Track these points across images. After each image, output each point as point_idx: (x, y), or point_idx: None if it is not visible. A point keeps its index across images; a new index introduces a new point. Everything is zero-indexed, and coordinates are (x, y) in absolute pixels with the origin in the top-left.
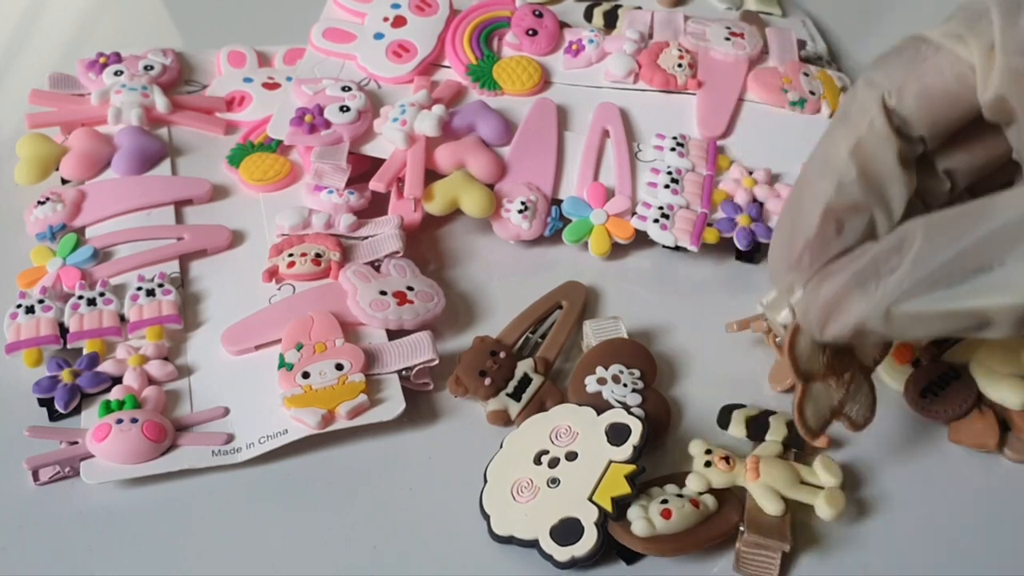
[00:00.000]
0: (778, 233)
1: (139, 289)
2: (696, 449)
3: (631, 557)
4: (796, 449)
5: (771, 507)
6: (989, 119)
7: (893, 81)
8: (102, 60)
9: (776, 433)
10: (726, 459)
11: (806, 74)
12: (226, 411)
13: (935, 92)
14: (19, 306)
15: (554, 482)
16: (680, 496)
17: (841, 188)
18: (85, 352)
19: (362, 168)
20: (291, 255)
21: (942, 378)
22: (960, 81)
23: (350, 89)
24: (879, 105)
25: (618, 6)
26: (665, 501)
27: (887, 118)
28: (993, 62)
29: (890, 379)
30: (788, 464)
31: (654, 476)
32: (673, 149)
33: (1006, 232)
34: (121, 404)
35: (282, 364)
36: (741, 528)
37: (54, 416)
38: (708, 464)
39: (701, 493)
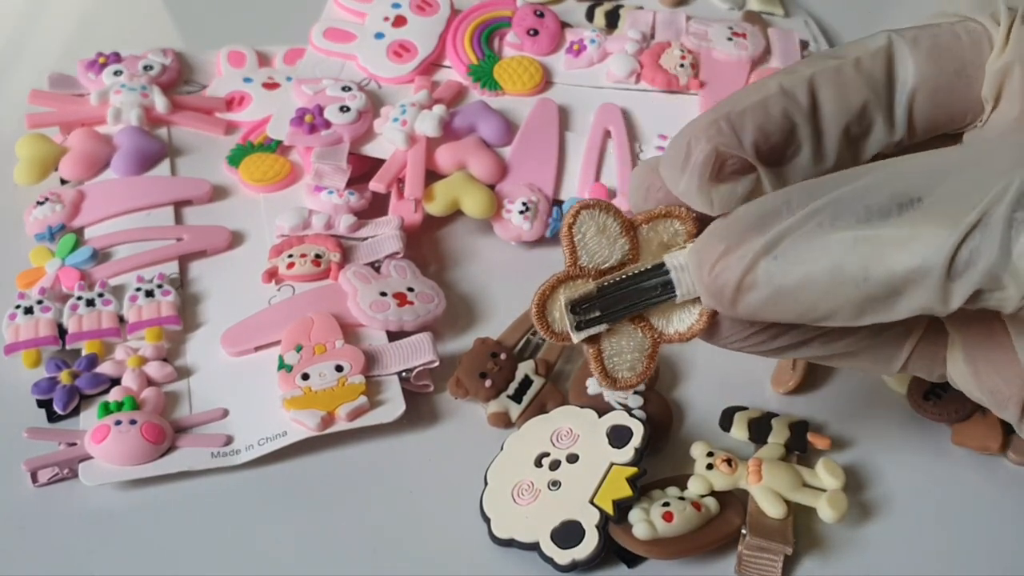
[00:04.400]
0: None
1: (138, 290)
2: (698, 452)
3: (632, 560)
4: (799, 452)
5: (773, 510)
6: (985, 95)
7: (911, 38)
8: (101, 60)
9: (778, 435)
10: (728, 462)
11: None
12: (225, 413)
13: (950, 58)
14: (18, 307)
15: (555, 485)
16: (682, 499)
17: (769, 113)
18: (84, 353)
19: (362, 169)
20: (291, 256)
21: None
22: (973, 44)
23: (350, 89)
24: (878, 51)
25: (620, 6)
26: (667, 504)
27: (887, 72)
28: (1009, 34)
29: (893, 382)
30: (790, 467)
31: (655, 479)
32: None
33: (926, 166)
34: (120, 405)
35: (282, 365)
36: (743, 531)
37: (53, 417)
38: (710, 467)
39: (703, 496)
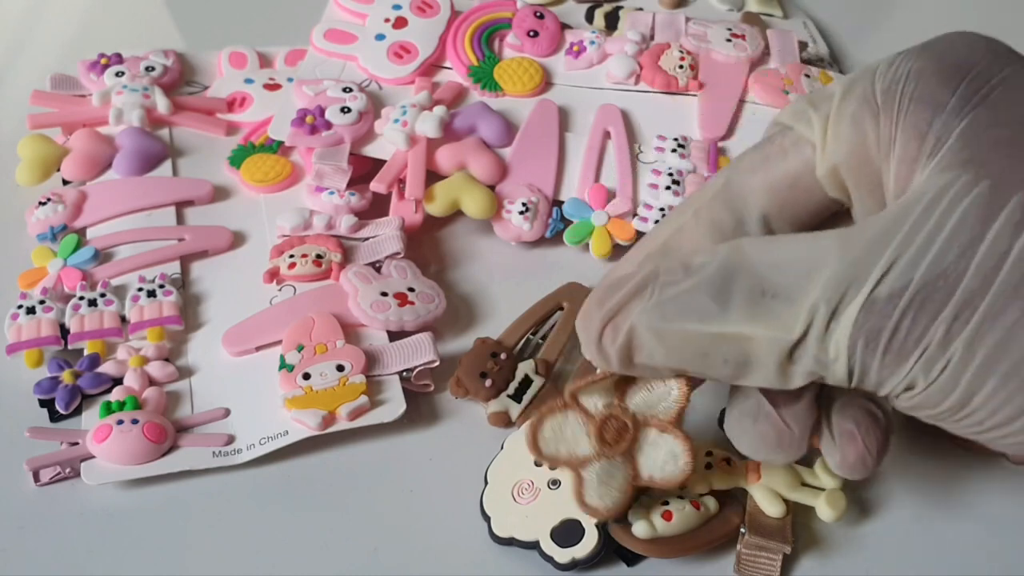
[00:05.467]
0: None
1: (140, 290)
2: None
3: (632, 559)
4: None
5: (772, 509)
6: (834, 197)
7: (743, 164)
8: (103, 61)
9: None
10: (727, 461)
11: (807, 76)
12: (227, 412)
13: (778, 173)
14: (20, 307)
15: (555, 484)
16: (681, 498)
17: (647, 261)
18: (86, 353)
19: (363, 169)
20: (292, 256)
21: None
22: (801, 159)
23: (351, 90)
24: (721, 184)
25: (619, 7)
26: (666, 503)
27: (722, 199)
28: (826, 138)
29: None
30: (789, 466)
31: None
32: (674, 150)
33: (794, 264)
34: (122, 405)
35: (283, 365)
36: (742, 530)
37: (55, 417)
38: (709, 466)
39: (702, 495)
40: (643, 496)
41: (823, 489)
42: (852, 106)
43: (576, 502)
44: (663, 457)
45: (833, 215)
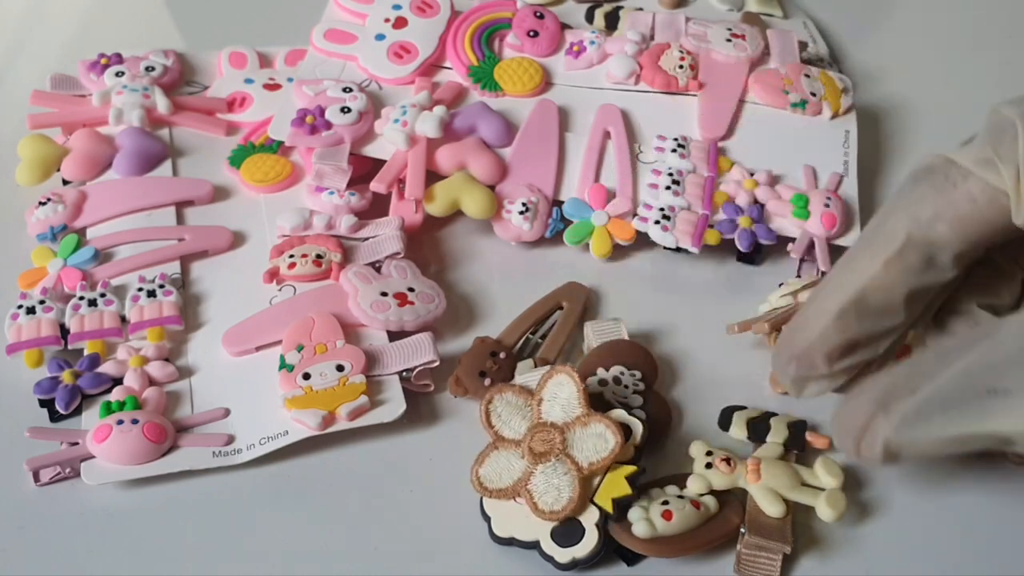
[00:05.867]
0: (790, 324)
1: (140, 290)
2: (697, 451)
3: (632, 558)
4: (797, 451)
5: (772, 509)
6: None
7: (924, 209)
8: (103, 61)
9: (777, 435)
10: (727, 461)
11: (807, 75)
12: (227, 412)
13: (970, 219)
14: (20, 307)
15: None
16: (681, 497)
17: (842, 314)
18: (86, 353)
19: (363, 169)
20: (292, 256)
21: None
22: (995, 207)
23: (351, 90)
24: (905, 233)
25: (619, 7)
26: (666, 502)
27: (913, 247)
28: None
29: None
30: (789, 466)
31: (655, 478)
32: (674, 150)
33: (1012, 358)
34: (122, 405)
35: (283, 365)
36: (742, 530)
37: (55, 417)
38: (709, 466)
39: (702, 495)
40: (643, 496)
41: (823, 489)
42: None
43: (536, 515)
44: (593, 442)
45: None
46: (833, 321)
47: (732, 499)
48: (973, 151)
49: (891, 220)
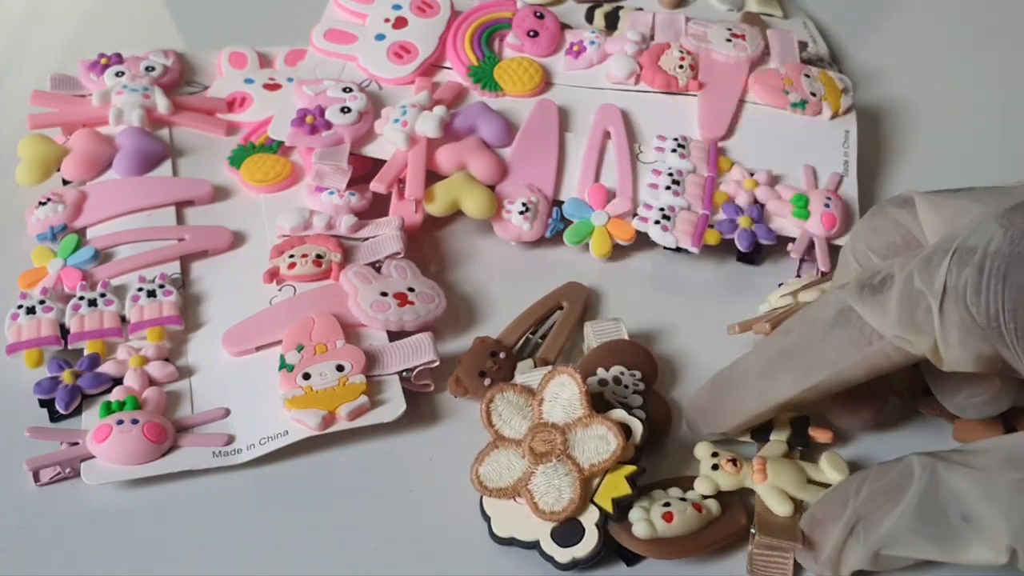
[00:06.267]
0: (704, 411)
1: (140, 290)
2: (702, 452)
3: (631, 559)
4: (801, 447)
5: (781, 508)
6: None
7: (842, 357)
8: (103, 61)
9: (780, 432)
10: (733, 461)
11: (807, 75)
12: (227, 412)
13: (885, 367)
14: (20, 307)
15: None
16: (683, 500)
17: (758, 417)
18: (86, 353)
19: (363, 169)
20: (292, 256)
21: None
22: (910, 358)
23: (351, 90)
24: (821, 377)
25: (619, 7)
26: (667, 504)
27: (828, 384)
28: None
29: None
30: (795, 463)
31: (656, 479)
32: (674, 150)
33: (979, 485)
34: (122, 405)
35: (283, 365)
36: (752, 531)
37: (55, 417)
38: (715, 467)
39: (705, 497)
40: (645, 497)
41: (829, 484)
42: (956, 335)
43: (536, 515)
44: (594, 444)
45: None
46: (747, 420)
47: (734, 502)
48: (887, 314)
49: (810, 357)
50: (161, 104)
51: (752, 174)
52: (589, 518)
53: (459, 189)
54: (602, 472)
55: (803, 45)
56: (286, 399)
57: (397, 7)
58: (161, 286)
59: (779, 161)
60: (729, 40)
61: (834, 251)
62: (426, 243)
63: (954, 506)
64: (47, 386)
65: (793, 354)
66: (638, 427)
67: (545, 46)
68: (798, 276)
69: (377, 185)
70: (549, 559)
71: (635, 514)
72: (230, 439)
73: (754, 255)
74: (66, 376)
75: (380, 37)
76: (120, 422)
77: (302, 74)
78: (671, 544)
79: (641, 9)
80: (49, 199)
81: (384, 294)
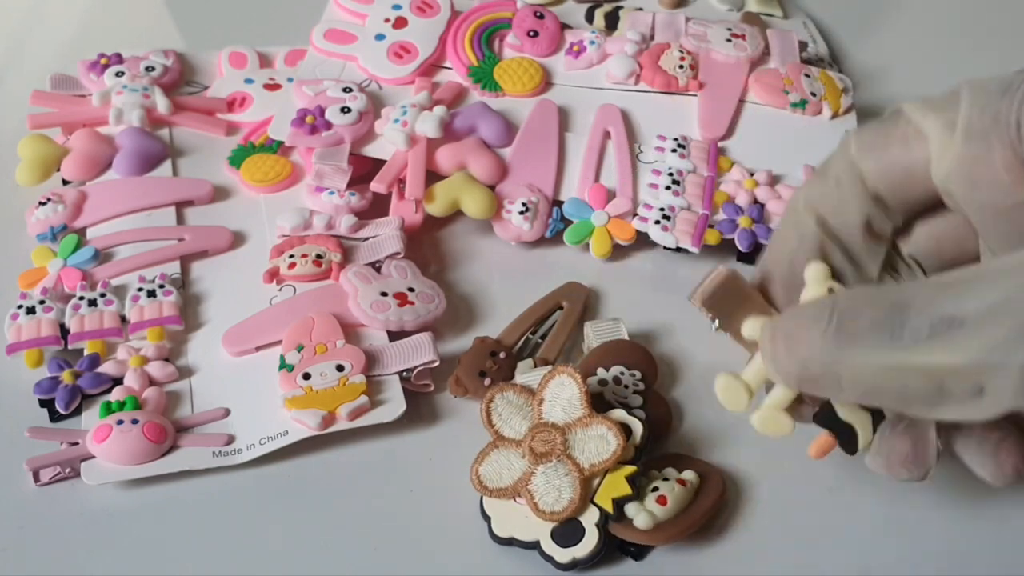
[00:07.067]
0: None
1: (140, 290)
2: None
3: (639, 553)
4: None
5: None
6: (949, 205)
7: (863, 147)
8: (103, 61)
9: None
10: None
11: (807, 75)
12: (227, 412)
13: (896, 165)
14: (20, 307)
15: None
16: (667, 480)
17: (803, 239)
18: (86, 353)
19: (363, 169)
20: (292, 256)
21: None
22: (921, 159)
23: (351, 90)
24: (847, 163)
25: (619, 7)
26: (656, 488)
27: (860, 182)
28: (950, 144)
29: None
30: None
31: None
32: (674, 150)
33: (978, 289)
34: (122, 405)
35: (283, 365)
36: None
37: (55, 417)
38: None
39: (680, 473)
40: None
41: None
42: (983, 124)
43: (536, 515)
44: (594, 444)
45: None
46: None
47: (710, 471)
48: (924, 102)
49: (835, 154)
50: (161, 104)
51: (752, 174)
52: (589, 518)
53: (459, 189)
54: (602, 472)
55: (803, 45)
56: (286, 399)
57: (397, 7)
58: (161, 286)
59: (779, 161)
60: (729, 40)
61: None
62: (426, 243)
63: (938, 307)
64: (47, 386)
65: (816, 169)
66: (638, 427)
67: (545, 46)
68: None
69: (377, 185)
70: (549, 559)
71: (631, 509)
72: (230, 439)
73: (754, 255)
74: (66, 376)
75: (380, 37)
76: (120, 422)
77: (302, 74)
78: (674, 525)
79: (641, 9)
80: (49, 199)
81: (384, 294)
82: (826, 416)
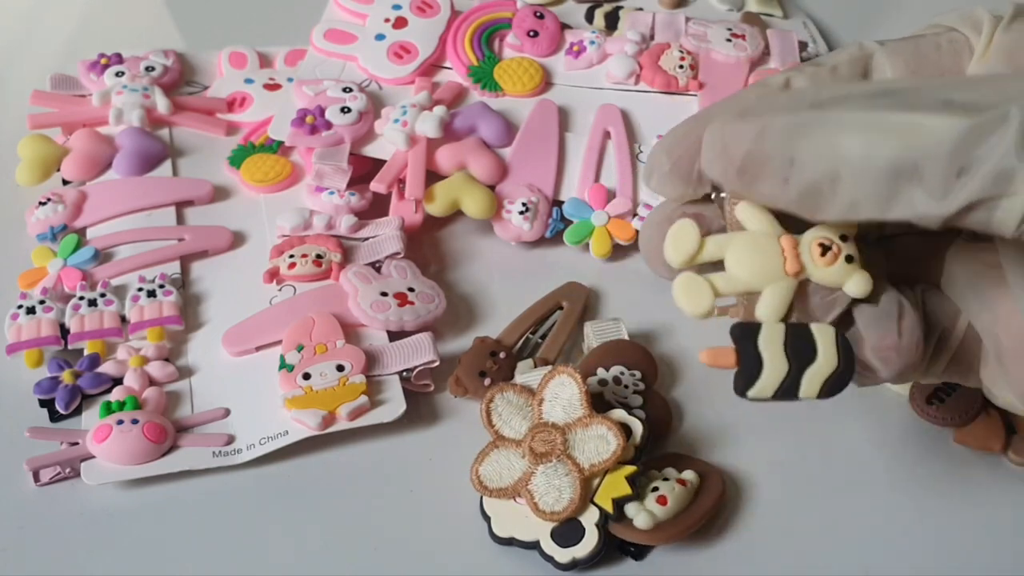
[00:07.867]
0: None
1: (140, 290)
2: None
3: (639, 553)
4: None
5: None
6: None
7: (892, 51)
8: (103, 61)
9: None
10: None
11: None
12: (227, 412)
13: (925, 66)
14: (20, 307)
15: None
16: (666, 480)
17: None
18: (86, 353)
19: (363, 169)
20: (292, 256)
21: (949, 384)
22: (954, 53)
23: (351, 90)
24: (852, 56)
25: (619, 7)
26: (655, 488)
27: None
28: (991, 41)
29: (897, 386)
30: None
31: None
32: None
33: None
34: (122, 405)
35: (283, 365)
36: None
37: (55, 417)
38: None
39: (681, 472)
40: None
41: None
42: (1015, 21)
43: (536, 516)
44: (594, 444)
45: None
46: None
47: (710, 470)
48: (956, 12)
49: (855, 45)
50: (161, 104)
51: None
52: (589, 518)
53: (459, 189)
54: (602, 472)
55: (803, 45)
56: (286, 399)
57: (397, 7)
58: (161, 286)
59: None
60: (729, 40)
61: None
62: (426, 243)
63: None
64: (47, 386)
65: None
66: (638, 427)
67: (545, 46)
68: None
69: (377, 185)
70: (549, 559)
71: (631, 509)
72: (230, 439)
73: None
74: (66, 376)
75: (380, 37)
76: (120, 422)
77: (302, 74)
78: (674, 525)
79: (641, 9)
80: (49, 199)
81: (384, 294)
82: (743, 333)
